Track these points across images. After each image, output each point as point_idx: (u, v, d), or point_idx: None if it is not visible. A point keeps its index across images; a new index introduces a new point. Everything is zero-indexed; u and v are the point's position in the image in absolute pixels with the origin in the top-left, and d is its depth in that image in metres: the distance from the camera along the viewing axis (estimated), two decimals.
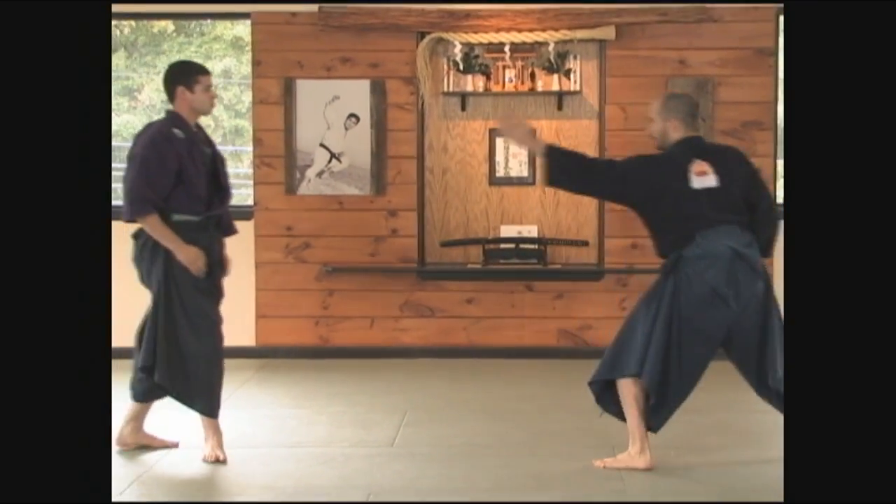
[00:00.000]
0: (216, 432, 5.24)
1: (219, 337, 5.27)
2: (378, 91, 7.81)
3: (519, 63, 7.80)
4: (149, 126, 5.37)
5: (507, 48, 7.74)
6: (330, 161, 7.81)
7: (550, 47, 7.69)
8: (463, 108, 7.95)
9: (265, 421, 6.03)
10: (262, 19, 7.86)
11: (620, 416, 5.09)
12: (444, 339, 7.90)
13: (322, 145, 7.79)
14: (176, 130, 5.23)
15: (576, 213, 8.03)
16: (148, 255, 5.18)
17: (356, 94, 7.77)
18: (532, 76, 7.81)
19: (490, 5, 7.71)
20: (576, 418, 6.05)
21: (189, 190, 5.20)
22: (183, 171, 5.17)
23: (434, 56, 7.86)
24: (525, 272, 7.88)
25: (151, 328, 5.19)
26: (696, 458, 5.21)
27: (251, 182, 8.09)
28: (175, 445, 5.40)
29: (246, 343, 7.82)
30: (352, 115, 7.79)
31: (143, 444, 5.38)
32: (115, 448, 5.26)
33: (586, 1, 7.69)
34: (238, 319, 7.80)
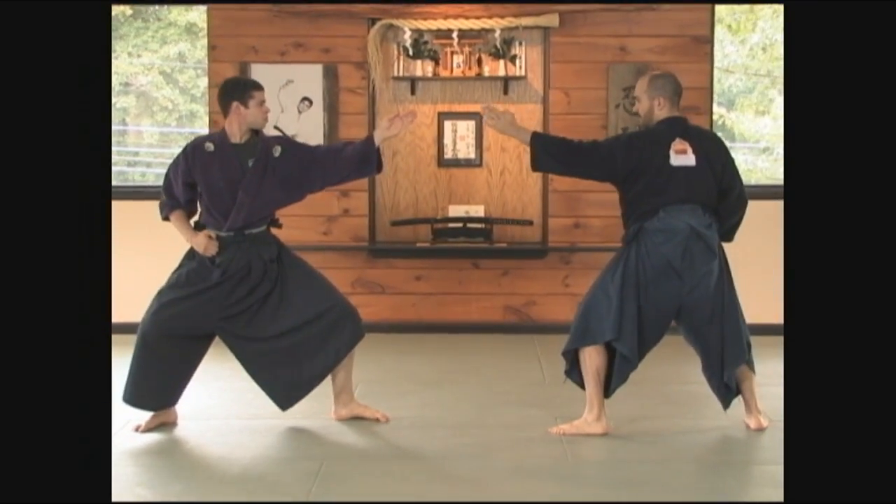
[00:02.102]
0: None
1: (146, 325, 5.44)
2: (330, 75, 8.01)
3: (466, 49, 8.00)
4: (190, 142, 5.55)
5: (455, 35, 7.93)
6: None
7: (497, 34, 7.88)
8: (413, 93, 8.15)
9: (222, 394, 6.18)
10: (217, 5, 8.02)
11: (583, 384, 5.32)
12: (394, 315, 8.12)
13: (276, 128, 7.96)
14: (208, 144, 5.42)
15: (521, 193, 8.26)
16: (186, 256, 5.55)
17: (309, 78, 7.96)
18: (479, 62, 8.01)
19: None
20: (521, 390, 6.29)
21: (210, 203, 5.41)
22: (205, 183, 5.38)
23: (384, 42, 8.06)
24: (472, 250, 8.09)
25: None
26: (637, 427, 5.45)
27: None
28: (385, 419, 5.59)
29: None
30: (305, 99, 7.99)
31: (357, 415, 5.61)
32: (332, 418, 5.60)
33: None
34: None
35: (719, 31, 8.58)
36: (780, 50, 9.41)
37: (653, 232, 5.13)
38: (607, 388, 5.28)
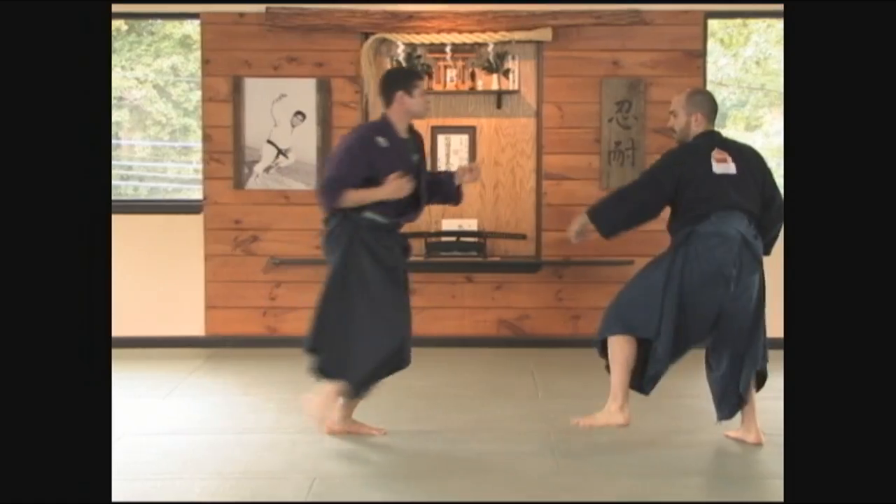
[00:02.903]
0: (331, 391, 5.43)
1: (387, 329, 5.43)
2: (323, 89, 8.02)
3: (460, 63, 8.03)
4: (356, 128, 5.61)
5: (448, 49, 7.96)
6: (277, 157, 8.03)
7: (490, 48, 7.90)
8: None
9: (214, 408, 6.19)
10: (210, 19, 8.03)
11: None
12: None
13: (269, 142, 7.99)
14: (379, 139, 5.38)
15: (514, 207, 8.27)
16: (333, 242, 5.42)
17: (302, 92, 7.98)
18: (472, 76, 8.03)
19: (432, 7, 7.94)
20: (514, 404, 6.30)
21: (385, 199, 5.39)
22: (380, 178, 5.32)
23: (378, 56, 8.08)
24: (465, 264, 8.10)
25: (324, 311, 5.43)
26: (629, 440, 5.41)
27: (200, 177, 8.27)
28: (383, 433, 5.60)
29: (195, 333, 8.04)
30: (298, 113, 8.00)
31: (351, 432, 5.59)
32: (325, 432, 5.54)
33: (524, 2, 7.94)
34: (188, 310, 8.04)
35: (712, 45, 8.60)
36: (773, 64, 9.43)
37: (706, 235, 5.12)
38: (639, 385, 5.30)
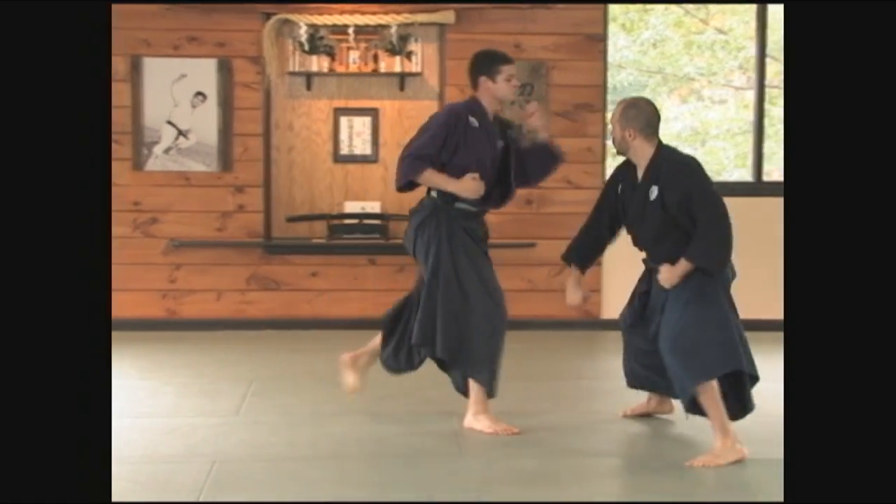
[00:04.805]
0: (480, 403, 5.35)
1: (501, 308, 5.35)
2: (225, 70, 7.94)
3: (362, 45, 8.01)
4: (449, 107, 5.51)
5: (350, 30, 7.93)
6: (177, 138, 7.93)
7: (393, 30, 7.90)
8: (308, 88, 8.13)
9: (113, 392, 6.13)
10: None
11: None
12: (289, 312, 8.11)
13: (169, 122, 7.90)
14: (472, 119, 5.32)
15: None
16: (425, 231, 5.35)
17: (203, 72, 7.89)
18: (375, 58, 8.02)
19: None
20: (415, 386, 6.30)
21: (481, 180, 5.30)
22: (468, 161, 5.26)
23: (280, 37, 8.02)
24: (368, 247, 8.10)
25: (428, 303, 5.30)
26: (527, 422, 5.47)
27: None
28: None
29: None
30: (199, 94, 7.92)
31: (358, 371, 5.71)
32: None
33: None
34: None
35: (613, 29, 8.68)
36: (670, 47, 9.55)
37: None
38: (744, 407, 5.11)
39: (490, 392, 5.37)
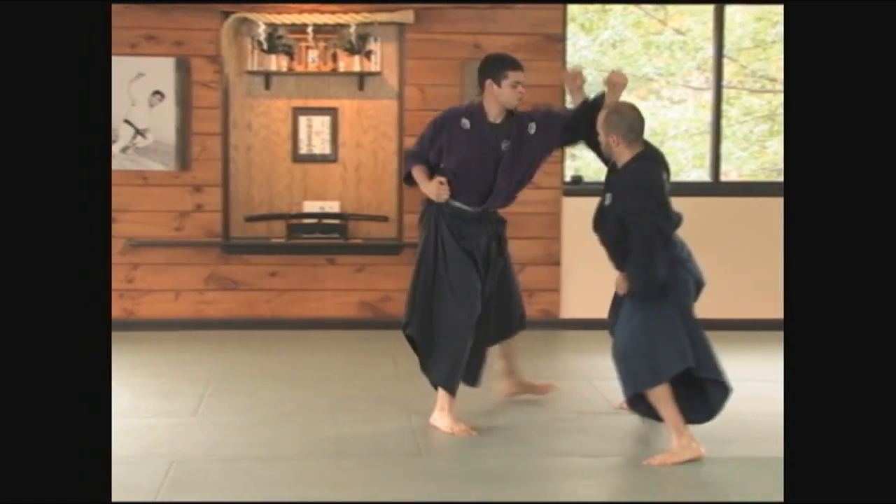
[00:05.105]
0: (442, 400, 5.41)
1: (466, 311, 5.37)
2: (183, 69, 7.90)
3: (321, 44, 7.98)
4: (447, 109, 5.65)
5: (309, 29, 7.90)
6: (135, 137, 7.88)
7: (352, 29, 7.87)
8: (267, 87, 8.10)
9: None
10: None
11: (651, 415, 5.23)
12: (247, 312, 8.07)
13: (126, 121, 7.84)
14: (464, 121, 5.41)
15: (377, 189, 8.27)
16: (420, 227, 5.58)
17: (161, 71, 7.84)
18: (334, 57, 7.99)
19: None
20: (375, 385, 6.32)
21: (465, 180, 5.40)
22: (458, 161, 5.37)
23: (238, 36, 7.98)
24: (327, 246, 8.07)
25: (411, 288, 5.51)
26: (485, 422, 5.52)
27: None
28: (548, 390, 5.97)
29: None
30: (157, 92, 7.86)
31: (526, 392, 5.94)
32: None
33: None
34: None
35: (572, 29, 8.70)
36: (629, 48, 9.59)
37: (681, 259, 5.17)
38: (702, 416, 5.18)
39: (446, 389, 5.40)
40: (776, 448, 4.79)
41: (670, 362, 4.95)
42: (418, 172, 5.50)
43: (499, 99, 5.43)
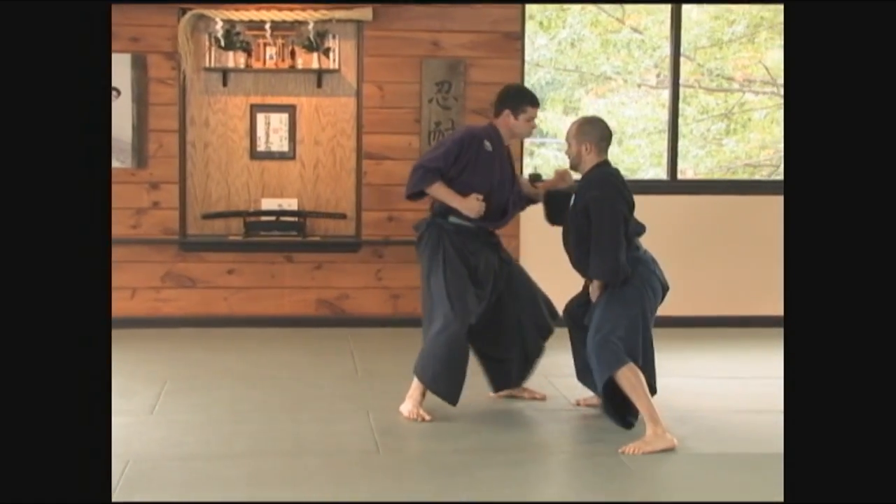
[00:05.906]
0: (414, 389, 5.58)
1: (457, 323, 5.45)
2: (139, 65, 7.85)
3: (279, 41, 7.95)
4: (467, 128, 5.85)
5: (267, 26, 7.86)
6: None
7: (310, 26, 7.84)
8: (224, 84, 8.06)
9: None
10: None
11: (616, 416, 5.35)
12: (205, 310, 8.03)
13: None
14: (487, 143, 5.58)
15: (335, 187, 8.24)
16: (421, 245, 5.67)
17: (117, 67, 7.74)
18: (292, 54, 7.96)
19: None
20: (332, 384, 6.31)
21: (486, 200, 5.56)
22: (474, 181, 5.54)
23: (195, 32, 7.93)
24: (285, 244, 8.05)
25: (423, 301, 5.66)
26: (445, 418, 5.51)
27: None
28: (542, 398, 5.96)
29: None
30: (113, 89, 7.80)
31: (514, 396, 5.97)
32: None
33: None
34: None
35: (531, 27, 8.72)
36: (587, 46, 9.61)
37: (645, 260, 5.35)
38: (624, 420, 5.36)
39: (431, 388, 5.52)
40: (776, 447, 4.81)
41: (634, 350, 5.18)
42: (443, 187, 5.58)
43: (513, 129, 5.70)
